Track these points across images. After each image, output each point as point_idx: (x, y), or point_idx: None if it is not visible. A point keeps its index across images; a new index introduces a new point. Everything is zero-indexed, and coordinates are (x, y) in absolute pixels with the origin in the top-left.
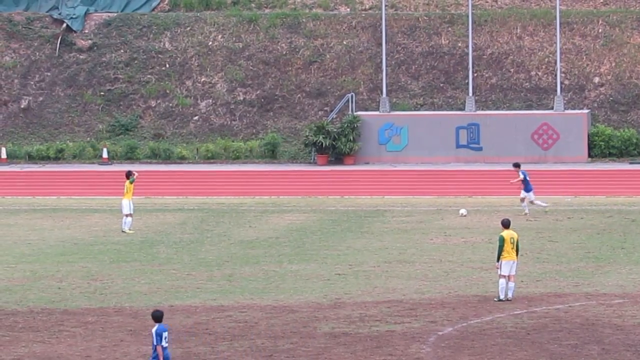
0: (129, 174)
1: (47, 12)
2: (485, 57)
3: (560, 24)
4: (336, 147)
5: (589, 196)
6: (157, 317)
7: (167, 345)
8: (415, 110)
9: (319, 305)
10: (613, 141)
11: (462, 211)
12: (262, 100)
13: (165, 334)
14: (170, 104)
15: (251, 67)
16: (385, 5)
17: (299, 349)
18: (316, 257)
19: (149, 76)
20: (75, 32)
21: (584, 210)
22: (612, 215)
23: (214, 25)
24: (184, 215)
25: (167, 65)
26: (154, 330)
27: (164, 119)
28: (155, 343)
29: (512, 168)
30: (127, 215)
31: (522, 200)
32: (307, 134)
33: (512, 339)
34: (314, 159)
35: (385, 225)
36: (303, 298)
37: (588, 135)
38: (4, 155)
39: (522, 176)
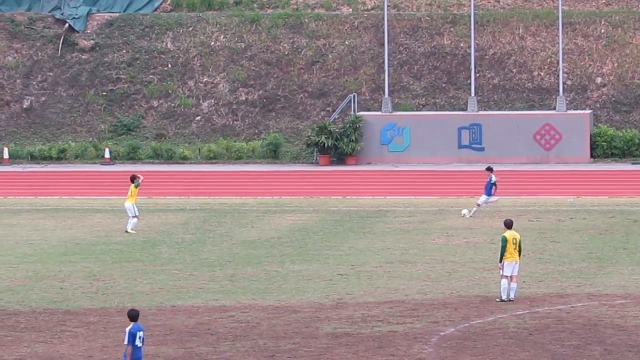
0: (133, 178)
1: (49, 12)
2: (487, 57)
3: (563, 24)
4: (338, 147)
5: (591, 197)
6: (133, 316)
7: (141, 345)
8: (417, 110)
9: (321, 305)
10: (615, 142)
11: (464, 211)
12: (264, 100)
13: (140, 334)
14: (173, 104)
15: (253, 67)
16: (388, 6)
17: (301, 349)
18: (318, 258)
19: (151, 76)
20: (77, 32)
21: (586, 210)
22: (614, 216)
23: (216, 25)
24: (186, 216)
25: (169, 66)
26: (128, 329)
27: (166, 119)
28: (126, 342)
29: (487, 171)
30: (133, 217)
31: (479, 204)
32: (309, 134)
33: (514, 340)
34: (316, 159)
35: (387, 226)
36: (305, 298)
37: (590, 136)
38: (6, 155)
39: (493, 179)
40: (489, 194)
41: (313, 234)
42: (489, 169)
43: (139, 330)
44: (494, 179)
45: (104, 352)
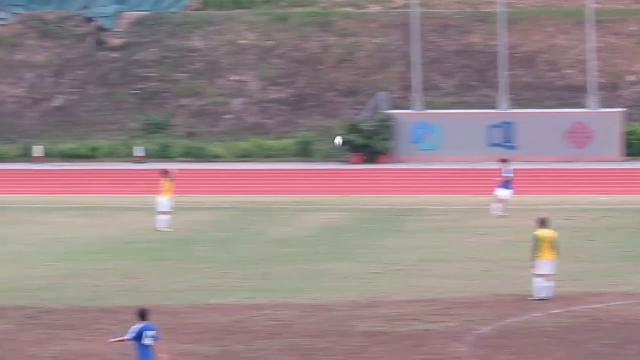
0: (165, 173)
1: (78, 11)
2: (518, 55)
3: (594, 22)
4: (370, 145)
5: (625, 195)
6: (142, 315)
7: (150, 343)
8: (448, 108)
9: (356, 304)
10: None
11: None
12: (295, 98)
13: (150, 333)
14: (202, 103)
15: (283, 66)
16: (417, 4)
17: (336, 348)
18: (351, 256)
19: (180, 75)
20: (107, 30)
21: (620, 209)
22: None
23: (245, 23)
24: (218, 214)
25: (199, 64)
26: (136, 327)
27: (197, 118)
28: (127, 337)
29: (500, 163)
30: (163, 213)
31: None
32: (340, 132)
33: (550, 338)
34: (347, 157)
35: (420, 224)
36: (339, 297)
37: (623, 134)
38: (38, 154)
39: (508, 174)
40: (509, 187)
41: (346, 232)
42: (505, 161)
43: (149, 330)
44: (507, 173)
45: None
